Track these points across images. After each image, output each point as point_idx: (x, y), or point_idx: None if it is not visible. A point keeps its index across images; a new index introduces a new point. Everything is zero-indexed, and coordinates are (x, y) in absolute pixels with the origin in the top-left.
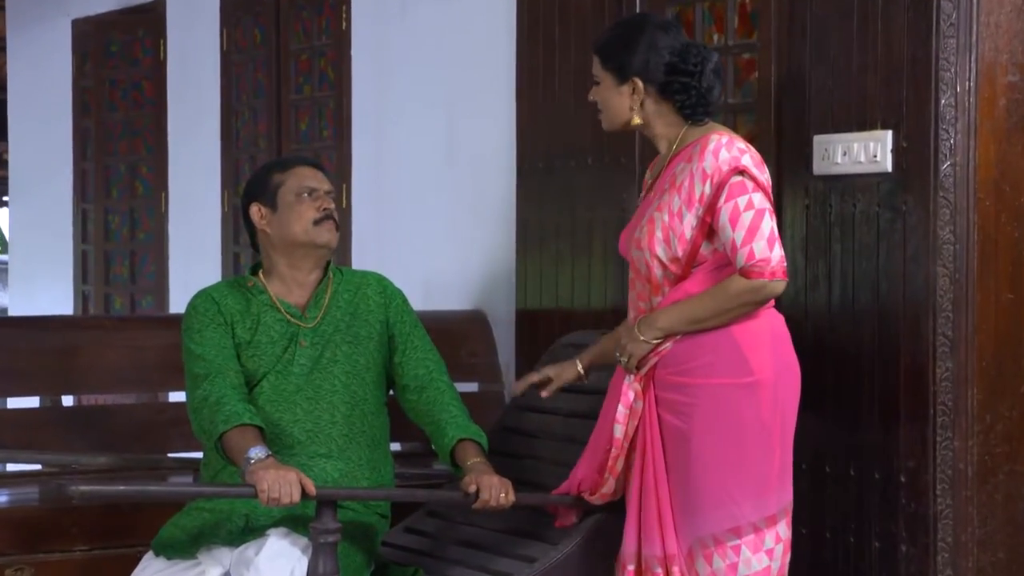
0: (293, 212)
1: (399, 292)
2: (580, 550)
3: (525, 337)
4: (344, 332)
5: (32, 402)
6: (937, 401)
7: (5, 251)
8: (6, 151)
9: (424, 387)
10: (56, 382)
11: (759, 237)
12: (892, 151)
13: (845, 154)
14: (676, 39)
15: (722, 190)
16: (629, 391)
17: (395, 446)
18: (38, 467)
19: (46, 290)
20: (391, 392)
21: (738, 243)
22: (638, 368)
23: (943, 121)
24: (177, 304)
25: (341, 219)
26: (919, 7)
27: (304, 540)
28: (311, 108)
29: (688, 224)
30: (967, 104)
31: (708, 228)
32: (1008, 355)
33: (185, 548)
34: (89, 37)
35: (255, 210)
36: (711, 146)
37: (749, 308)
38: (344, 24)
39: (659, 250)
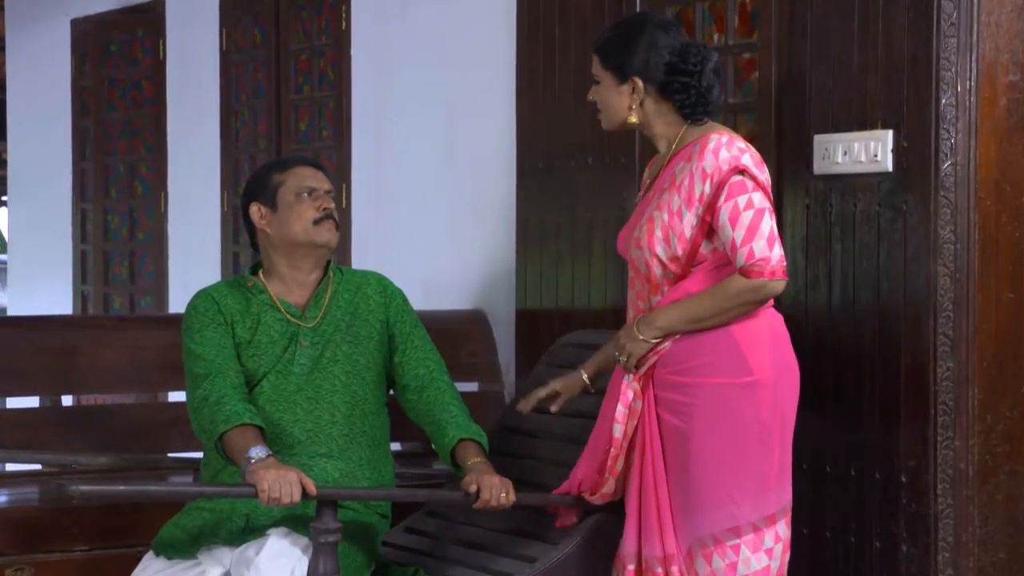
0: (293, 212)
1: (399, 292)
2: (580, 550)
3: (525, 337)
4: (344, 332)
5: (32, 402)
6: (938, 401)
7: (4, 251)
8: (5, 151)
9: (424, 387)
10: (55, 382)
11: (759, 236)
12: (893, 151)
13: (846, 154)
14: (676, 39)
15: (722, 189)
16: (628, 390)
17: (395, 446)
18: (38, 467)
19: (45, 290)
20: (391, 392)
21: (738, 242)
22: (637, 367)
23: (944, 121)
24: (176, 304)
25: (341, 219)
26: (920, 7)
27: (304, 540)
28: (311, 108)
29: (688, 223)
30: (968, 104)
31: (708, 227)
32: (1009, 355)
33: (185, 548)
34: (88, 37)
35: (255, 210)
36: (711, 145)
37: (749, 307)
38: (344, 24)
39: (659, 249)
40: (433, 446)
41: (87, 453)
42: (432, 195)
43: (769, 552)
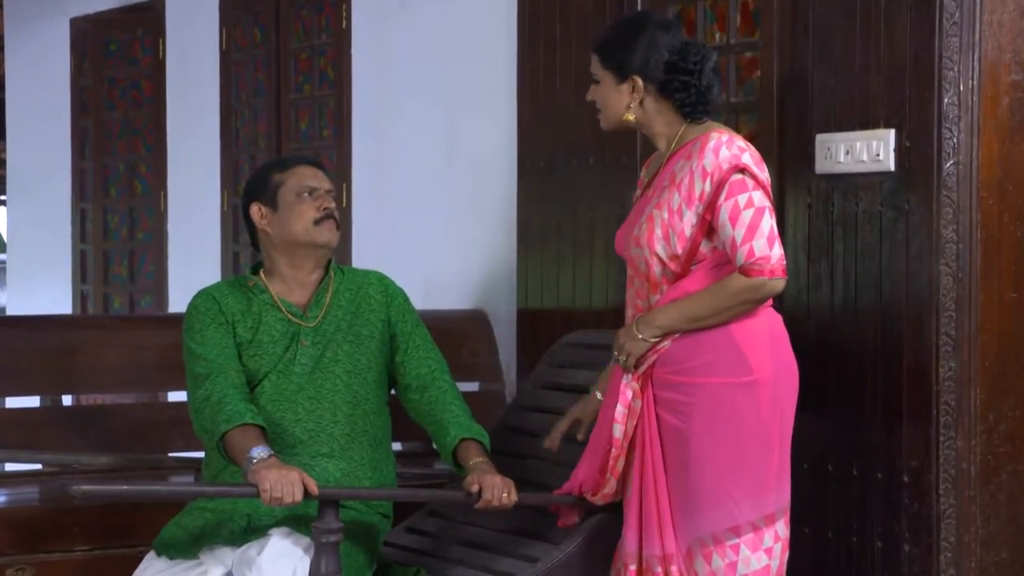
0: (293, 212)
1: (400, 291)
2: (582, 550)
3: (526, 336)
4: (346, 331)
5: (32, 402)
6: (940, 400)
7: (3, 251)
8: (4, 150)
9: (426, 386)
10: (56, 382)
11: (759, 235)
12: (895, 150)
13: (848, 153)
14: (676, 37)
15: (722, 188)
16: (627, 390)
17: (397, 446)
18: (38, 467)
19: (45, 290)
20: (393, 391)
21: (738, 241)
22: (636, 367)
23: (946, 120)
24: (176, 304)
25: (341, 218)
26: (922, 6)
27: (306, 540)
28: (311, 107)
29: (688, 222)
30: (970, 103)
31: (708, 226)
32: (1011, 354)
33: (187, 548)
34: (88, 36)
35: (255, 210)
36: (711, 144)
37: (748, 306)
38: (344, 23)
39: (659, 247)
40: (435, 446)
41: (88, 453)
42: (433, 194)
43: (769, 551)
